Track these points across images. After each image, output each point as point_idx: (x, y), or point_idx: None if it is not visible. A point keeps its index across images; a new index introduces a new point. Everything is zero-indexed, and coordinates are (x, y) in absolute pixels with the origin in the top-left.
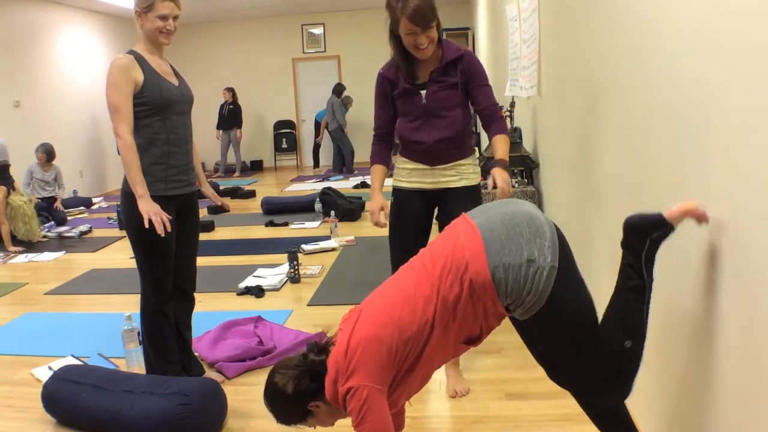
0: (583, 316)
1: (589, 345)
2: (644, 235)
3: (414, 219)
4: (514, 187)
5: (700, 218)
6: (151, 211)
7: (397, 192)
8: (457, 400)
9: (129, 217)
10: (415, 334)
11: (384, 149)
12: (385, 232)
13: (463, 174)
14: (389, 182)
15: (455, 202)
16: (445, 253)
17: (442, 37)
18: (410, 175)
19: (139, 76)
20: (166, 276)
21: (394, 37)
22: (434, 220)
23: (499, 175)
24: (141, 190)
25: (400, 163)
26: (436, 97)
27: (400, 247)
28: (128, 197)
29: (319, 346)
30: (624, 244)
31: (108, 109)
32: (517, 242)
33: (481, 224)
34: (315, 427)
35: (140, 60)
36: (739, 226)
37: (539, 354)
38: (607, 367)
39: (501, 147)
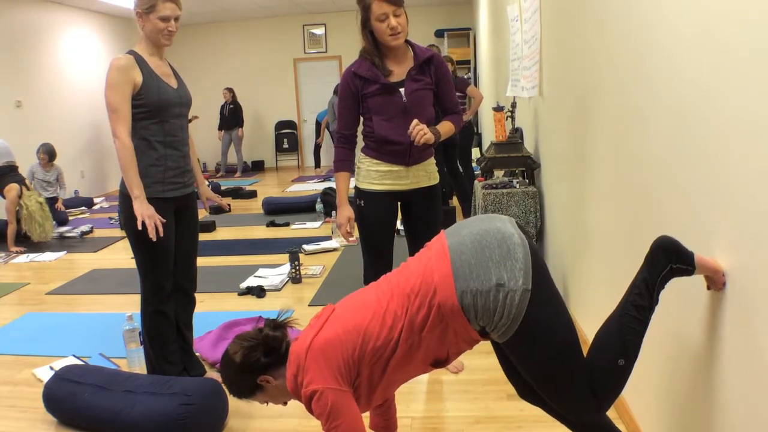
0: (562, 334)
1: (571, 362)
2: (668, 260)
3: (385, 221)
4: (515, 187)
5: (717, 285)
6: (145, 214)
7: (366, 194)
8: (458, 400)
9: (127, 219)
10: (379, 348)
11: (348, 154)
12: None
13: (430, 173)
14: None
15: (424, 201)
16: (417, 273)
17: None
18: (383, 177)
19: (138, 77)
20: (165, 277)
21: (368, 32)
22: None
23: (421, 123)
24: (137, 192)
25: (369, 164)
26: (416, 95)
27: (375, 251)
28: (126, 199)
29: (276, 323)
30: (648, 260)
31: (106, 109)
32: (486, 266)
33: (452, 246)
34: (267, 404)
35: (140, 61)
36: (739, 226)
37: (525, 375)
38: (591, 384)
39: (444, 123)
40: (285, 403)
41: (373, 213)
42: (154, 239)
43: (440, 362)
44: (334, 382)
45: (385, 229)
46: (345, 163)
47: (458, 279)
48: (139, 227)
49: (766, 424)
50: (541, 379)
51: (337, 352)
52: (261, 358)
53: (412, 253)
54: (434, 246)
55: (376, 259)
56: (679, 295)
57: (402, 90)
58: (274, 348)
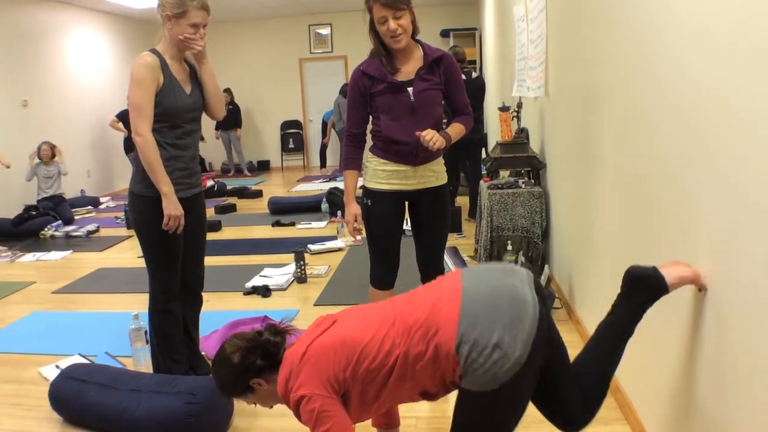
0: (510, 423)
1: None
2: (645, 294)
3: (392, 220)
4: (520, 187)
5: (700, 288)
6: (173, 214)
7: (373, 194)
8: None
9: (137, 218)
10: (373, 370)
11: (357, 152)
12: None
13: (437, 173)
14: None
15: (432, 202)
16: (424, 306)
17: (418, 37)
18: (390, 176)
19: (161, 79)
20: (174, 275)
21: (374, 32)
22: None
23: (432, 131)
24: (166, 188)
25: (377, 164)
26: (424, 95)
27: (382, 251)
28: (136, 198)
29: (276, 329)
30: (625, 295)
31: (128, 106)
32: (492, 324)
33: (466, 290)
34: (255, 405)
35: (162, 64)
36: (740, 227)
37: (454, 422)
38: (583, 395)
39: (455, 125)
40: (271, 407)
41: (380, 212)
42: (170, 231)
43: (429, 395)
44: (323, 389)
45: (392, 229)
46: (353, 161)
47: (462, 325)
48: (165, 225)
49: None
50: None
51: (330, 362)
52: (257, 361)
53: (419, 253)
54: (446, 284)
55: (383, 259)
56: (684, 298)
57: (410, 89)
58: (272, 353)
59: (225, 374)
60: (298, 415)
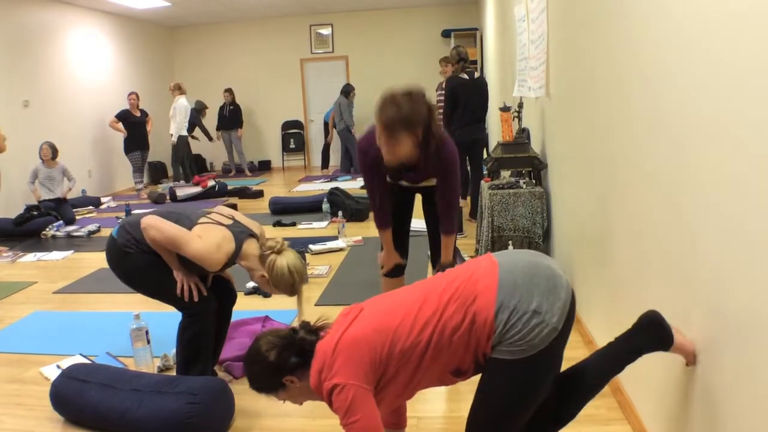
0: (540, 392)
1: (519, 416)
2: (651, 341)
3: (397, 207)
4: (521, 187)
5: (689, 361)
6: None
7: None
8: (464, 401)
9: (123, 272)
10: (407, 350)
11: (386, 215)
12: None
13: None
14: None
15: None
16: (459, 281)
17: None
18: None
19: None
20: (198, 298)
21: None
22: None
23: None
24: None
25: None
26: (416, 178)
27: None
28: (118, 252)
29: (311, 327)
30: (636, 332)
31: (180, 236)
32: (531, 291)
33: (502, 264)
34: (284, 402)
35: (229, 263)
36: (743, 218)
37: (475, 402)
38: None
39: (445, 250)
40: (301, 403)
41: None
42: (196, 299)
43: (461, 373)
44: (356, 379)
45: (398, 216)
46: (386, 222)
47: (501, 292)
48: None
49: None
50: (487, 411)
51: (364, 351)
52: (292, 359)
53: (432, 251)
54: (482, 262)
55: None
56: (685, 297)
57: (405, 179)
58: (306, 351)
59: (259, 371)
60: (330, 403)
